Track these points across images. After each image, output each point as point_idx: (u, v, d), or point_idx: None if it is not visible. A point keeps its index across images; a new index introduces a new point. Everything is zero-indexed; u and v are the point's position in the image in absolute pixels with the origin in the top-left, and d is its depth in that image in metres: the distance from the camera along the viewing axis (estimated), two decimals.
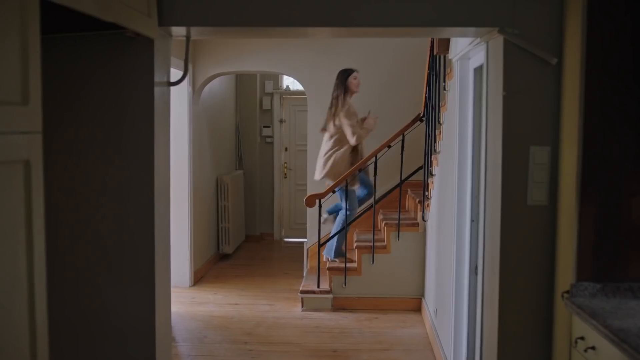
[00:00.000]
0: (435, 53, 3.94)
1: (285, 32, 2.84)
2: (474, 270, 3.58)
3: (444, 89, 4.14)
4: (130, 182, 2.58)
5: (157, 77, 2.60)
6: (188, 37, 2.79)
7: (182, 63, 5.88)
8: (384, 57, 6.22)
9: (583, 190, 2.29)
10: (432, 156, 4.83)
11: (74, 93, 2.56)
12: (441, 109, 4.37)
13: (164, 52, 2.73)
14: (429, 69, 4.91)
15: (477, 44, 2.99)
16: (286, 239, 8.91)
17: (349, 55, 6.31)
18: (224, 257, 7.55)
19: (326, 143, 5.59)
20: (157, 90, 2.60)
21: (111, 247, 2.61)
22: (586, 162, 2.29)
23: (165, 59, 2.76)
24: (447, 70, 4.06)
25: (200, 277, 6.55)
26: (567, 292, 2.33)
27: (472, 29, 2.69)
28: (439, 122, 4.43)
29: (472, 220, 3.54)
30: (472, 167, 3.50)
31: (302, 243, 7.11)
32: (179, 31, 2.72)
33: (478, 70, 3.48)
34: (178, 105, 6.08)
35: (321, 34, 3.30)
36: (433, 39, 4.63)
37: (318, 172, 5.65)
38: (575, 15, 2.31)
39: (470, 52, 3.39)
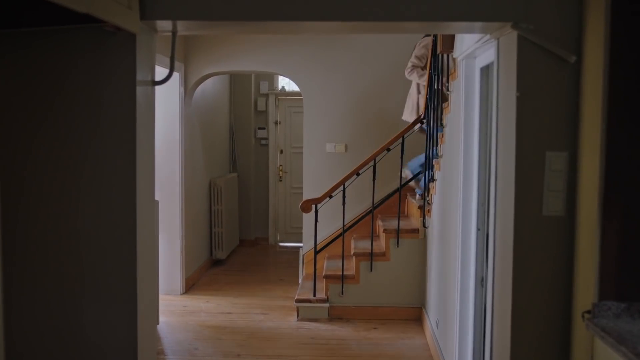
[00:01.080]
0: (438, 52, 3.74)
1: (279, 27, 2.63)
2: (480, 282, 3.38)
3: (447, 90, 3.93)
4: (109, 191, 2.37)
5: (140, 76, 2.39)
6: (174, 33, 2.58)
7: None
8: (383, 57, 6.02)
9: (605, 200, 2.09)
10: (434, 160, 4.62)
11: (48, 93, 2.35)
12: (444, 110, 4.17)
13: (147, 49, 2.51)
14: (430, 69, 4.70)
15: (485, 41, 2.79)
16: (281, 244, 8.69)
17: (347, 55, 6.11)
18: (217, 262, 7.33)
19: None
20: (139, 90, 2.38)
21: (88, 260, 2.39)
22: (609, 169, 2.09)
23: (150, 56, 2.55)
24: (451, 70, 3.86)
25: (192, 285, 6.32)
26: (588, 312, 2.12)
27: (478, 24, 2.48)
28: (441, 124, 4.22)
29: (478, 229, 3.34)
30: (479, 172, 3.29)
31: (297, 248, 6.91)
32: (164, 26, 2.51)
33: (485, 70, 3.28)
34: (169, 106, 5.87)
35: (317, 29, 3.09)
36: (435, 38, 4.43)
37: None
38: (597, 8, 2.11)
39: (476, 51, 3.18)
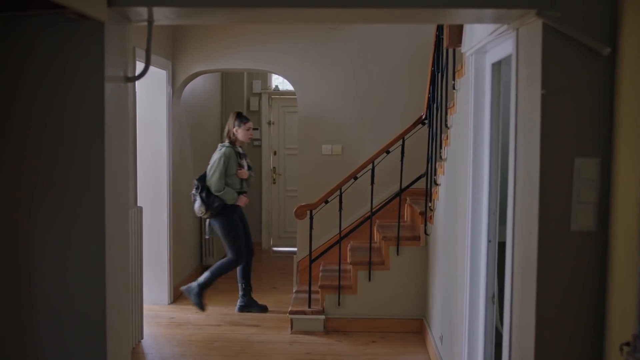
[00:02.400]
0: (445, 46, 3.45)
1: (272, 14, 2.32)
2: (490, 299, 3.09)
3: (453, 88, 3.64)
4: (73, 200, 2.06)
5: (110, 71, 2.08)
6: (150, 22, 2.28)
7: (160, 59, 5.38)
8: (382, 54, 5.72)
9: None
10: (437, 163, 4.33)
11: (1, 89, 2.04)
12: (449, 110, 3.87)
13: (119, 40, 2.21)
14: (432, 65, 4.41)
15: (500, 33, 2.49)
16: (275, 249, 8.40)
17: (342, 53, 5.82)
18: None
19: None
20: (109, 87, 2.08)
21: (48, 277, 2.08)
22: None
23: (122, 48, 2.25)
24: (457, 66, 3.56)
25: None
26: (627, 344, 1.83)
27: (497, 12, 2.17)
28: (445, 125, 3.93)
29: (489, 241, 3.04)
30: (490, 179, 3.00)
31: (292, 253, 6.61)
32: (137, 13, 2.20)
33: (496, 66, 2.98)
34: (156, 106, 5.56)
35: (314, 17, 2.78)
36: (438, 31, 4.14)
37: None
38: None
39: (487, 45, 2.89)
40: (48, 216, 2.06)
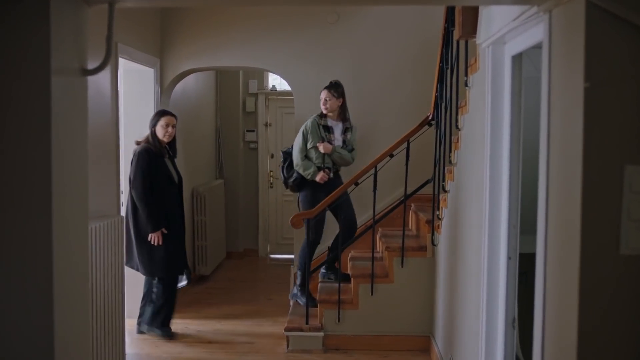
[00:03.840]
0: (457, 38, 3.08)
1: None
2: (510, 323, 2.72)
3: (466, 85, 3.27)
4: (13, 223, 1.69)
5: (58, 62, 1.72)
6: (111, 3, 1.91)
7: (147, 56, 5.01)
8: (383, 50, 5.36)
9: None
10: (446, 168, 3.96)
11: None
12: (459, 110, 3.51)
13: (73, 25, 1.84)
14: (440, 61, 4.04)
15: (527, 18, 2.12)
16: (272, 256, 8.04)
17: (341, 50, 5.46)
18: (200, 279, 6.65)
19: None
20: (57, 81, 1.71)
21: None
22: None
23: (78, 35, 1.88)
24: (470, 61, 3.20)
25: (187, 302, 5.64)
26: None
27: None
28: (456, 127, 3.56)
29: (509, 258, 2.68)
30: (510, 187, 2.63)
31: (290, 260, 6.25)
32: None
33: (517, 59, 2.62)
34: (142, 107, 5.20)
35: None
36: (447, 23, 3.77)
37: None
38: None
39: (507, 35, 2.52)
40: None
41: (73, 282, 1.87)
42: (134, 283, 4.83)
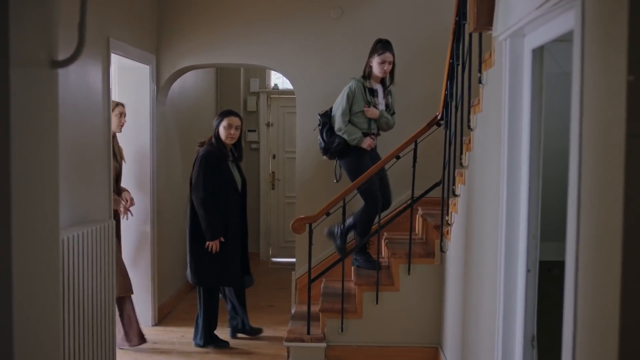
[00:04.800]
0: (470, 30, 2.85)
1: None
2: (529, 342, 2.49)
3: (480, 82, 3.03)
4: None
5: (18, 52, 1.49)
6: None
7: (142, 53, 4.79)
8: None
9: None
10: (456, 171, 3.73)
11: None
12: (472, 109, 3.27)
13: (39, 11, 1.62)
14: (451, 57, 3.81)
15: (552, 7, 1.89)
16: (274, 259, 7.82)
17: (345, 45, 5.23)
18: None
19: None
20: (18, 73, 1.49)
21: None
22: None
23: (44, 22, 1.66)
24: (485, 55, 2.96)
25: (166, 313, 5.43)
26: None
27: None
28: (468, 126, 3.32)
29: (528, 270, 2.45)
30: (530, 194, 2.40)
31: (292, 264, 6.03)
32: None
33: (538, 53, 2.39)
34: (138, 105, 4.98)
35: None
36: (459, 16, 3.54)
37: None
38: None
39: (527, 26, 2.29)
40: None
41: (39, 305, 1.64)
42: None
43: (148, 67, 5.01)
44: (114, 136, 4.40)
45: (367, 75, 4.53)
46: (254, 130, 7.75)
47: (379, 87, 4.58)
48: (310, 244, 4.30)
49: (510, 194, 2.47)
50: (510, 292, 2.49)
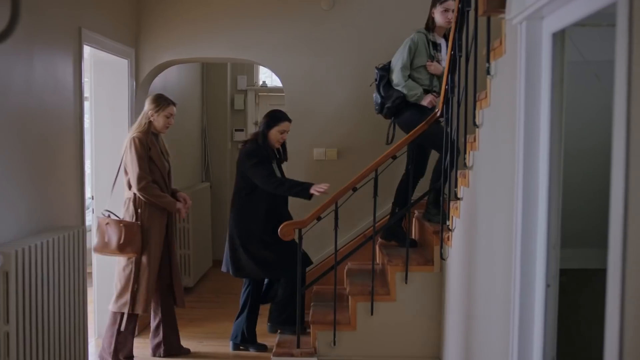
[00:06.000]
0: (481, 13, 2.55)
1: None
2: None
3: (487, 74, 2.74)
4: None
5: None
6: None
7: (119, 46, 4.46)
8: (384, 40, 4.83)
9: None
10: (459, 172, 3.44)
11: None
12: (478, 104, 2.98)
13: None
14: (452, 48, 3.51)
15: None
16: None
17: (338, 38, 4.94)
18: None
19: None
20: None
21: None
22: None
23: None
24: (494, 44, 2.66)
25: (147, 323, 5.08)
26: None
27: None
28: (473, 123, 3.03)
29: (547, 286, 2.15)
30: (550, 200, 2.11)
31: None
32: None
33: (559, 37, 2.09)
34: (115, 103, 4.65)
35: None
36: (462, 2, 3.24)
37: None
38: None
39: (545, 8, 2.00)
40: None
41: None
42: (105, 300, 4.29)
43: (126, 61, 4.68)
44: (158, 136, 4.12)
45: (430, 27, 4.17)
46: (242, 130, 7.44)
47: (442, 42, 4.22)
48: (300, 250, 3.99)
49: (526, 198, 2.17)
50: (527, 309, 2.20)
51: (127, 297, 3.92)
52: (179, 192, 4.26)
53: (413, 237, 4.53)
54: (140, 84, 4.88)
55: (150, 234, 3.95)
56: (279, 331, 4.37)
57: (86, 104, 5.19)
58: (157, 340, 4.25)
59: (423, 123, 3.92)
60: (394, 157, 3.97)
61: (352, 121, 4.94)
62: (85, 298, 3.64)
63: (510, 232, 2.30)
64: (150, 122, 3.99)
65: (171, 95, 5.85)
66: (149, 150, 3.91)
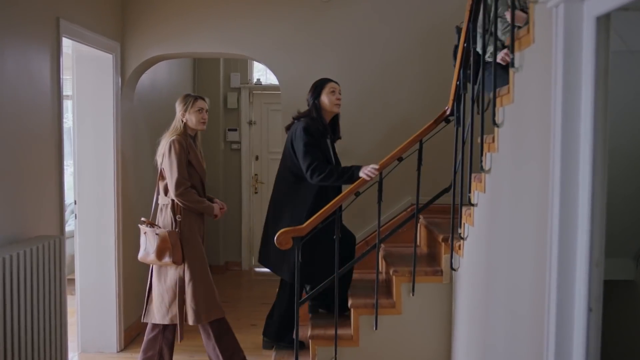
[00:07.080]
0: None
1: None
2: None
3: (512, 66, 2.44)
4: None
5: None
6: None
7: (104, 40, 4.15)
8: (387, 33, 4.55)
9: None
10: (472, 175, 3.14)
11: None
12: (499, 100, 2.68)
13: None
14: (465, 41, 3.21)
15: None
16: (257, 269, 7.22)
17: (337, 34, 4.64)
18: None
19: None
20: None
21: None
22: None
23: None
24: (519, 33, 2.37)
25: (135, 336, 4.79)
26: None
27: None
28: (493, 122, 2.73)
29: (589, 310, 1.86)
30: (592, 211, 1.81)
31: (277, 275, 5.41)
32: None
33: (603, 23, 1.80)
34: (99, 101, 4.35)
35: None
36: None
37: None
38: None
39: None
40: None
41: None
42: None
43: (111, 56, 4.37)
44: (196, 140, 3.84)
45: None
46: (235, 130, 7.13)
47: None
48: (298, 260, 3.68)
49: (565, 207, 1.88)
50: (565, 337, 1.90)
51: (176, 309, 3.69)
52: (214, 198, 3.96)
53: (418, 244, 4.23)
54: (126, 80, 4.57)
55: (192, 241, 3.64)
56: (274, 347, 4.06)
57: (68, 103, 4.90)
58: (150, 352, 3.94)
59: (431, 122, 3.63)
60: (400, 159, 3.67)
61: (354, 120, 4.64)
62: (64, 312, 3.34)
63: (542, 245, 2.01)
64: (185, 124, 3.69)
65: (160, 93, 5.57)
66: (188, 154, 3.63)
